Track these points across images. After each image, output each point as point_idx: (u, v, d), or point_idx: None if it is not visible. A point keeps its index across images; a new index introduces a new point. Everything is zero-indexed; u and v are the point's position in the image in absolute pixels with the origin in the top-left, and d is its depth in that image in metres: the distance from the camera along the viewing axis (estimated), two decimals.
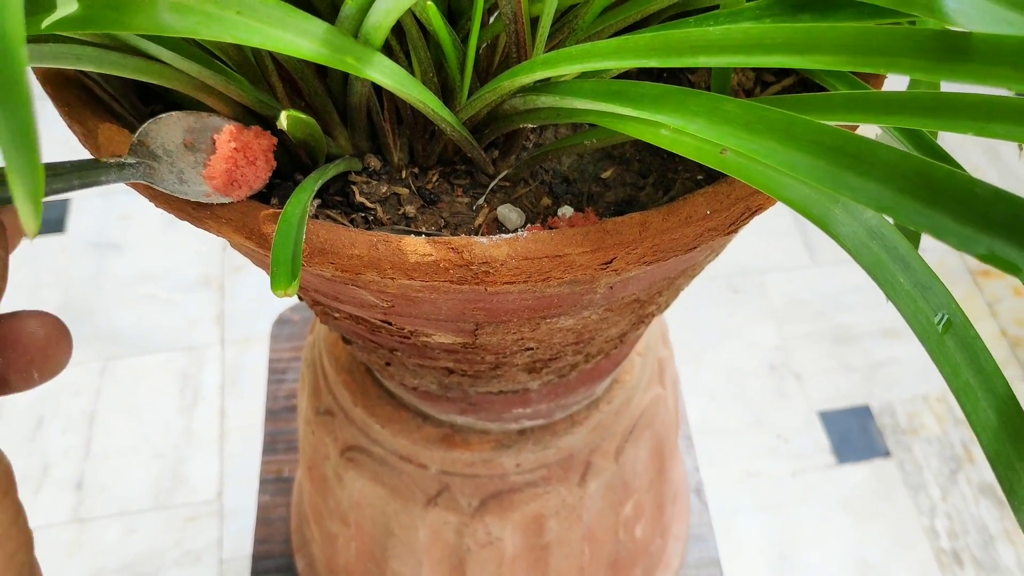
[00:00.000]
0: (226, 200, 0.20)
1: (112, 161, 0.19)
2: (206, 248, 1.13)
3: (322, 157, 0.22)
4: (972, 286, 1.04)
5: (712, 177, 0.24)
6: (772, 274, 1.14)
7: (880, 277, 0.17)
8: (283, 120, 0.18)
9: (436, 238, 0.20)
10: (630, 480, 0.43)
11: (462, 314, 0.24)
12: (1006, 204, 0.13)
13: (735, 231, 0.21)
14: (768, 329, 1.05)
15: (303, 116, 0.19)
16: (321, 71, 0.23)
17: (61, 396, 0.98)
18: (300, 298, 0.31)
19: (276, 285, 0.17)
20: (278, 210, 0.20)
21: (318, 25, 0.18)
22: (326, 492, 0.45)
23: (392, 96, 0.23)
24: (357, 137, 0.23)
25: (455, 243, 0.20)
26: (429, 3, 0.18)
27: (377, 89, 0.22)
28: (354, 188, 0.23)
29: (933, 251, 1.08)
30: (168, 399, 0.99)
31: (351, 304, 0.25)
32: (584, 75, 0.21)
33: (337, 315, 0.27)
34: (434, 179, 0.24)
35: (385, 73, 0.19)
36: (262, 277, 1.10)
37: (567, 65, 0.19)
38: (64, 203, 1.19)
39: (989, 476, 0.94)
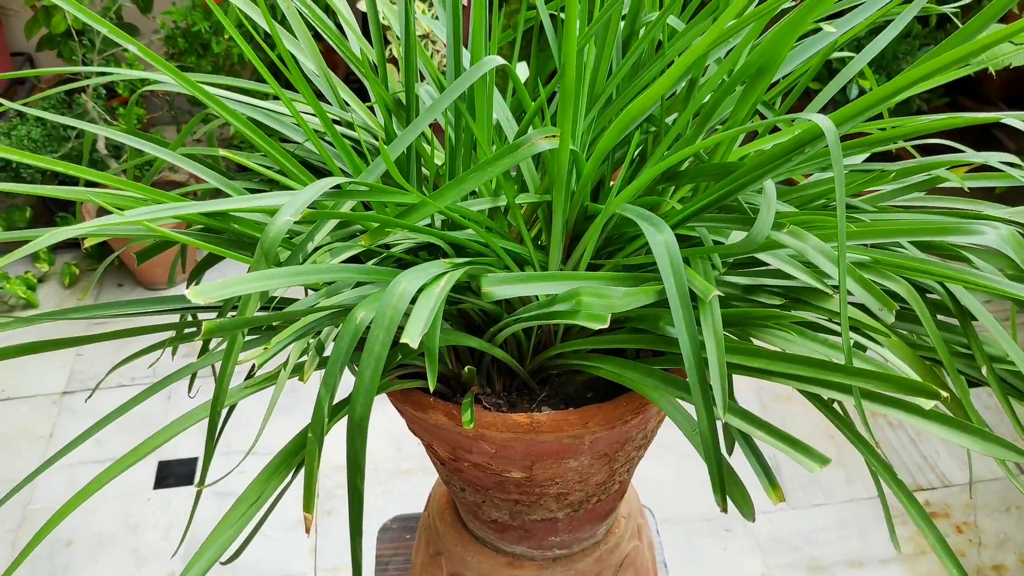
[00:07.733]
0: None
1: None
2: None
3: (470, 385, 0.55)
4: None
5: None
6: (757, 516, 1.40)
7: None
8: (466, 372, 0.52)
9: (519, 413, 0.52)
10: None
11: (526, 455, 0.55)
12: None
13: (640, 414, 0.53)
14: (755, 560, 1.30)
15: (472, 369, 0.52)
16: (471, 353, 0.56)
17: None
18: (442, 463, 0.62)
19: (466, 422, 0.49)
20: (459, 404, 0.53)
21: (477, 339, 0.51)
22: None
23: (500, 362, 0.56)
24: (481, 378, 0.57)
25: (527, 415, 0.52)
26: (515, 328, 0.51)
27: (491, 361, 0.56)
28: (482, 399, 0.55)
29: None
30: None
31: (476, 453, 0.56)
32: (576, 351, 0.54)
33: (466, 464, 0.58)
34: (514, 396, 0.56)
35: (499, 353, 0.52)
36: (347, 519, 1.38)
37: (569, 346, 0.52)
38: (194, 460, 1.52)
39: None
